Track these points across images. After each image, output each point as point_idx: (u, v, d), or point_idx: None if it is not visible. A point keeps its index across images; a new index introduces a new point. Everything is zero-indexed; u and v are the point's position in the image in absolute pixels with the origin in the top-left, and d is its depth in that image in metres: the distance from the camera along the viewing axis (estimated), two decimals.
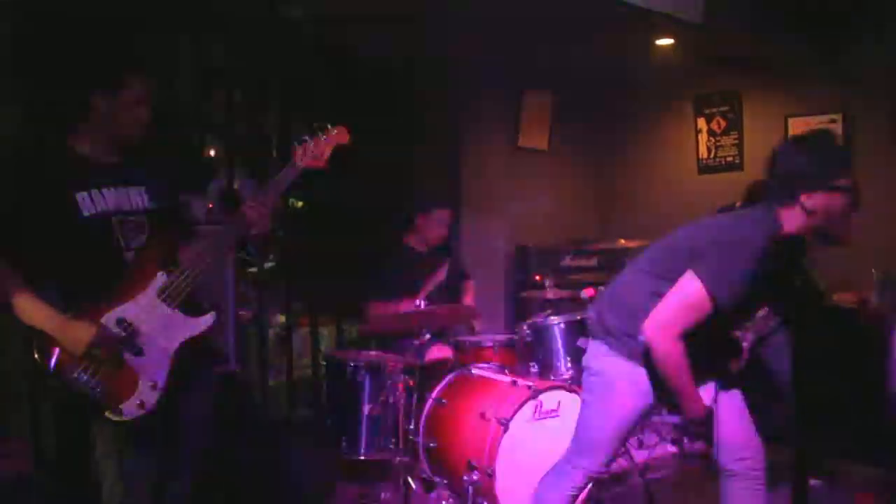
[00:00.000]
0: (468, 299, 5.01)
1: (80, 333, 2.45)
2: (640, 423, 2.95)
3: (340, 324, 5.74)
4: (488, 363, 4.26)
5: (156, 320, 2.56)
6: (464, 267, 5.25)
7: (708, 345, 2.77)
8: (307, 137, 2.90)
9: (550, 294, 4.88)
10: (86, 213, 2.55)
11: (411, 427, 3.95)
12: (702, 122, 6.37)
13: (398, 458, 3.81)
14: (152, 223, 2.68)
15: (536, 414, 3.73)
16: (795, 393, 4.42)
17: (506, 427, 3.60)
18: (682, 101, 6.51)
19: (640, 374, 2.79)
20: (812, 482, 4.36)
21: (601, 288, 4.59)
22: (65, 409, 2.75)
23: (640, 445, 4.66)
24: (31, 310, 2.45)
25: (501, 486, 3.58)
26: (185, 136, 4.95)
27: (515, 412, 3.64)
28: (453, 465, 3.81)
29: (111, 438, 2.55)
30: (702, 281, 2.61)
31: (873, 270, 5.00)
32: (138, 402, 2.51)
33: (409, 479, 3.89)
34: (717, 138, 6.28)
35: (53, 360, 2.43)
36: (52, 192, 2.53)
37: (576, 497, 2.97)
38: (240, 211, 2.75)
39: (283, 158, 5.29)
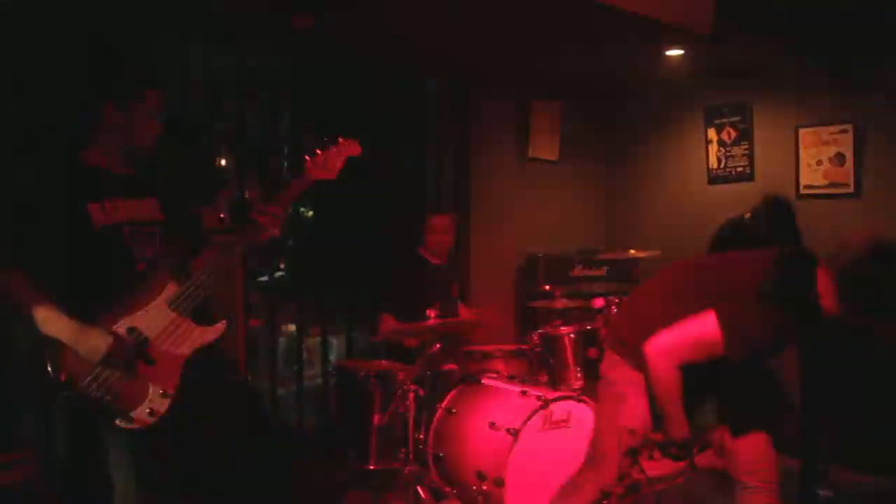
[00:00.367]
0: (463, 308, 5.03)
1: (97, 341, 2.46)
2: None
3: (351, 333, 5.75)
4: (498, 373, 4.26)
5: (166, 329, 2.58)
6: (462, 288, 5.26)
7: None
8: (319, 150, 2.92)
9: (560, 304, 4.88)
10: (98, 224, 2.57)
11: (421, 436, 3.96)
12: (712, 133, 6.36)
13: (408, 468, 3.82)
14: (164, 233, 2.70)
15: (546, 424, 3.72)
16: (805, 403, 4.41)
17: (515, 437, 3.60)
18: (693, 111, 6.50)
19: (646, 381, 2.81)
20: (822, 493, 4.34)
21: (611, 298, 4.61)
22: (75, 419, 2.76)
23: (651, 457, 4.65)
24: (50, 319, 2.46)
25: (511, 495, 3.58)
26: (197, 147, 4.97)
27: (525, 422, 3.64)
28: (463, 474, 3.81)
29: (122, 447, 2.56)
30: (723, 318, 2.65)
31: None
32: (149, 411, 2.52)
33: (419, 489, 3.89)
34: (728, 149, 6.27)
35: (65, 369, 2.44)
36: (66, 203, 2.55)
37: None
38: (253, 217, 2.78)
39: (294, 168, 5.34)
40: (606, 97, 6.63)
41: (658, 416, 2.82)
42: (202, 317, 2.67)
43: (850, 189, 5.58)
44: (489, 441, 3.70)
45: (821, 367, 3.95)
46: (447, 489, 3.90)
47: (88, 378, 2.46)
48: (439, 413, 4.04)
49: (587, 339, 4.33)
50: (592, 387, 4.11)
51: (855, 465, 4.73)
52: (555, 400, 3.77)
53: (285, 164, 5.61)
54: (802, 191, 5.68)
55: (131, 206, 2.65)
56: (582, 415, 3.83)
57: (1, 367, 3.60)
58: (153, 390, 2.54)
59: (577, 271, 6.03)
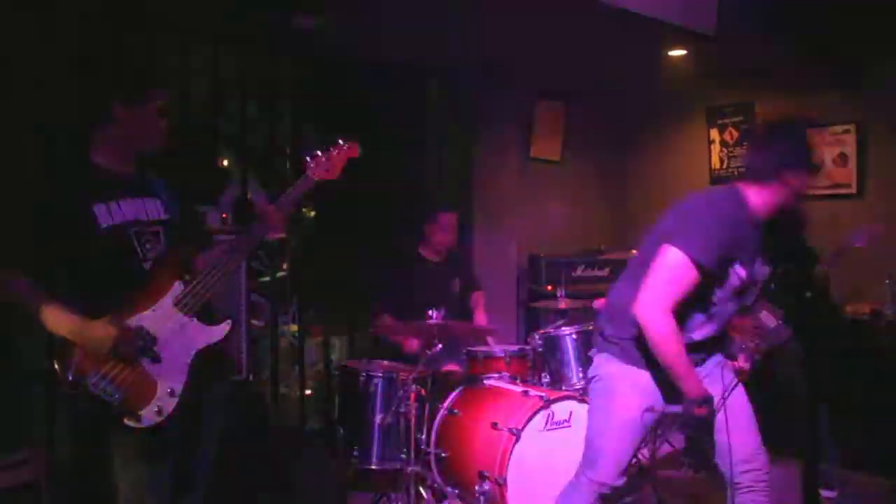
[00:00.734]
0: (479, 312, 5.01)
1: (103, 333, 2.47)
2: (649, 429, 2.92)
3: (353, 333, 5.76)
4: (500, 373, 4.26)
5: (173, 328, 2.58)
6: (474, 278, 5.24)
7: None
8: (319, 151, 2.93)
9: (562, 304, 4.88)
10: (104, 225, 2.57)
11: (423, 437, 3.96)
12: (714, 133, 6.37)
13: (410, 468, 3.82)
14: (168, 233, 2.70)
15: (548, 424, 3.73)
16: (809, 404, 4.41)
17: (517, 437, 3.60)
18: (695, 111, 6.51)
19: (642, 375, 2.82)
20: (825, 493, 4.35)
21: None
22: (81, 419, 2.76)
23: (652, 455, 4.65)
24: (56, 318, 2.47)
25: (512, 495, 3.58)
26: (200, 147, 4.98)
27: (527, 422, 3.65)
28: (464, 474, 3.82)
29: (128, 447, 2.56)
30: (680, 248, 2.66)
31: (887, 281, 4.98)
32: (156, 409, 2.53)
33: (421, 489, 3.90)
34: (730, 149, 6.28)
35: (73, 368, 2.45)
36: (71, 204, 2.55)
37: None
38: (257, 219, 2.78)
39: (295, 169, 5.35)
40: (609, 97, 6.64)
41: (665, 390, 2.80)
42: (206, 316, 2.68)
43: (853, 190, 5.59)
44: (491, 441, 3.70)
45: (825, 365, 3.94)
46: (449, 489, 3.91)
47: (97, 377, 2.46)
48: (441, 413, 4.04)
49: (589, 340, 4.31)
50: None
51: (858, 466, 4.74)
52: (557, 400, 3.77)
53: (287, 164, 5.62)
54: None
55: (136, 205, 2.66)
56: (584, 415, 3.82)
57: (7, 368, 3.62)
58: (161, 389, 2.54)
59: (580, 272, 6.03)
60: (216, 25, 4.62)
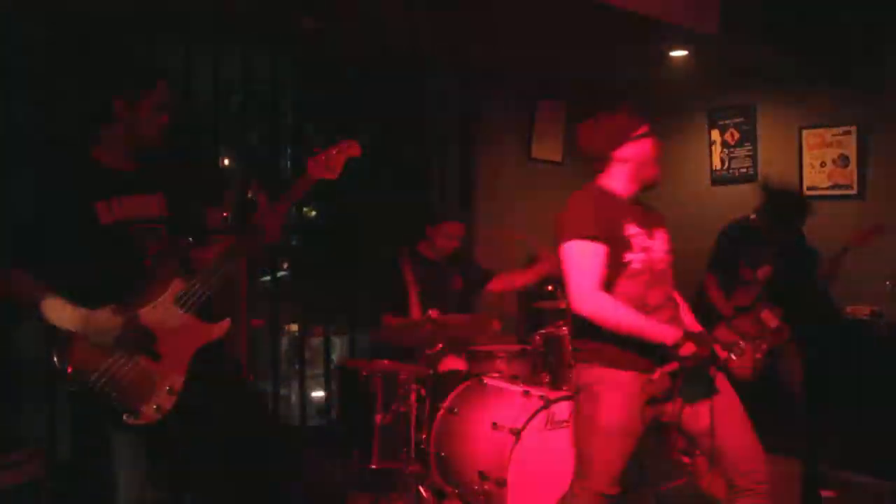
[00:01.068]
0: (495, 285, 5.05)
1: (108, 323, 2.47)
2: (639, 435, 2.90)
3: (353, 333, 5.76)
4: (500, 373, 4.26)
5: (172, 326, 2.59)
6: (483, 271, 5.24)
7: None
8: (320, 150, 2.93)
9: (563, 304, 4.86)
10: (105, 222, 2.58)
11: (423, 436, 3.96)
12: (715, 134, 6.37)
13: (410, 467, 3.82)
14: (169, 230, 2.71)
15: (548, 424, 3.73)
16: (808, 405, 4.41)
17: (517, 437, 3.60)
18: (697, 112, 6.51)
19: (623, 375, 2.82)
20: (825, 493, 4.34)
21: None
22: (81, 416, 2.77)
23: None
24: (59, 311, 2.48)
25: (513, 495, 3.58)
26: (201, 146, 4.98)
27: (527, 422, 3.64)
28: (465, 474, 3.82)
29: (127, 443, 2.57)
30: (565, 240, 2.87)
31: (887, 283, 4.98)
32: (155, 406, 2.53)
33: (421, 489, 3.89)
34: (731, 150, 6.27)
35: (72, 364, 2.46)
36: (73, 200, 2.56)
37: None
38: (255, 221, 2.79)
39: (296, 168, 5.35)
40: (611, 98, 6.62)
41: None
42: (206, 314, 2.68)
43: (854, 191, 5.59)
44: (491, 441, 3.70)
45: (825, 366, 3.95)
46: (449, 489, 3.91)
47: (97, 373, 2.47)
48: (441, 413, 4.04)
49: None
50: None
51: (857, 466, 4.74)
52: (557, 400, 3.77)
53: (288, 164, 5.62)
54: (806, 192, 5.68)
55: (137, 202, 2.66)
56: None
57: (6, 366, 3.63)
58: (160, 386, 2.55)
59: None
60: (218, 24, 4.62)
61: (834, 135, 5.67)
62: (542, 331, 4.52)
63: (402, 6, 4.41)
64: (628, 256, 2.88)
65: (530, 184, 6.32)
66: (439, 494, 4.00)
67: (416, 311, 4.59)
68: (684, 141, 6.57)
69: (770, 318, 4.57)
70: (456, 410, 4.00)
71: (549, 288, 5.68)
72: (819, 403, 4.38)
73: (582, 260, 2.83)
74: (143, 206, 2.68)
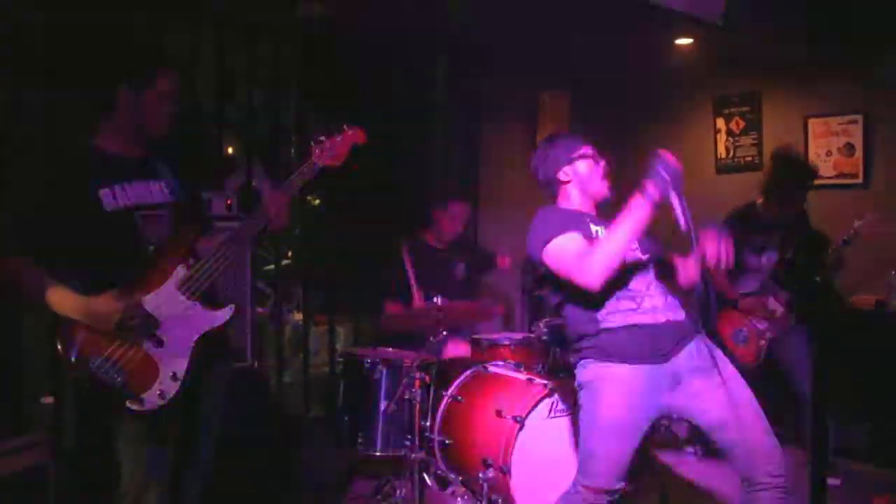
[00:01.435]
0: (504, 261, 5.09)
1: (109, 308, 2.48)
2: (643, 430, 2.88)
3: (357, 321, 5.76)
4: (504, 361, 4.26)
5: (176, 312, 2.59)
6: (487, 254, 5.24)
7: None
8: (324, 137, 2.93)
9: None
10: (108, 208, 2.58)
11: (427, 424, 3.96)
12: (721, 123, 6.35)
13: (414, 455, 3.82)
14: (173, 217, 2.71)
15: (552, 412, 3.73)
16: (814, 394, 4.41)
17: (521, 425, 3.60)
18: (702, 100, 6.48)
19: (622, 369, 2.83)
20: (830, 481, 4.35)
21: None
22: (86, 401, 2.78)
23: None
24: (62, 298, 2.48)
25: (516, 483, 3.58)
26: (205, 134, 4.98)
27: (531, 410, 3.64)
28: (468, 462, 3.82)
29: (132, 430, 2.57)
30: (542, 245, 3.01)
31: (893, 272, 4.97)
32: (159, 392, 2.54)
33: (425, 476, 3.90)
34: (736, 138, 6.26)
35: (76, 351, 2.46)
36: (76, 187, 2.56)
37: None
38: (261, 205, 2.79)
39: (300, 156, 5.34)
40: (615, 87, 6.61)
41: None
42: (210, 301, 2.68)
43: (860, 180, 5.57)
44: (495, 429, 3.70)
45: (830, 355, 3.94)
46: (453, 476, 3.91)
47: (100, 360, 2.47)
48: (445, 400, 4.04)
49: None
50: None
51: (862, 456, 4.74)
52: (561, 388, 3.77)
53: (292, 151, 5.62)
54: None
55: (141, 189, 2.66)
56: None
57: (12, 352, 3.63)
58: (163, 373, 2.55)
59: None
60: (223, 10, 4.61)
61: (840, 123, 5.65)
62: (546, 318, 4.53)
63: None
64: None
65: None
66: (443, 482, 4.01)
67: (417, 299, 4.60)
68: (689, 129, 6.55)
69: (775, 305, 4.56)
70: (460, 398, 4.00)
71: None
72: (824, 392, 4.37)
73: (564, 252, 2.91)
74: (147, 192, 2.68)
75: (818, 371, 4.35)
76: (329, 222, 5.82)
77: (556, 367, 4.27)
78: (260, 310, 5.23)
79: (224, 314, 2.71)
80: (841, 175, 5.64)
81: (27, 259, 2.52)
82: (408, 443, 3.89)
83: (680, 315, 2.97)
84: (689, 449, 5.03)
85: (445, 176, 6.05)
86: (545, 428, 3.69)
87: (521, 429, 3.60)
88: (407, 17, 4.78)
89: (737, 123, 6.26)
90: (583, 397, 2.96)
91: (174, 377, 2.56)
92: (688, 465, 4.79)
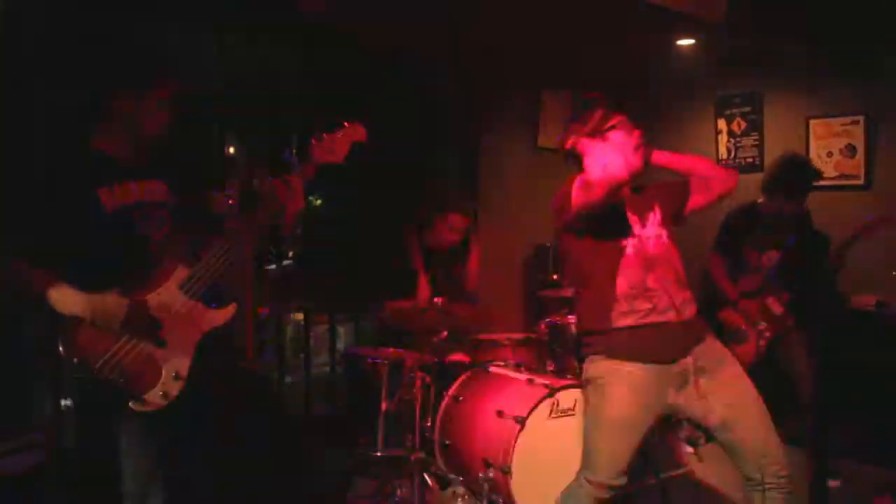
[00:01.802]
0: (473, 265, 5.02)
1: (114, 307, 2.48)
2: (648, 428, 2.89)
3: (358, 321, 5.76)
4: (505, 361, 4.27)
5: (177, 312, 2.59)
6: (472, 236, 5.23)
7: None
8: (325, 134, 2.92)
9: (568, 292, 4.88)
10: (108, 209, 2.58)
11: (428, 424, 3.97)
12: (722, 123, 6.35)
13: (414, 455, 3.83)
14: (174, 216, 2.71)
15: (553, 412, 3.73)
16: (815, 394, 4.41)
17: (522, 425, 3.61)
18: (703, 101, 6.48)
19: (627, 368, 2.82)
20: (830, 483, 4.35)
21: None
22: (87, 401, 2.77)
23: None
24: (65, 297, 2.48)
25: (517, 483, 3.59)
26: (206, 133, 4.98)
27: (532, 410, 3.65)
28: (469, 462, 3.82)
29: (135, 430, 2.57)
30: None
31: (894, 273, 4.97)
32: (161, 393, 2.54)
33: (425, 476, 3.90)
34: (737, 139, 6.25)
35: (78, 351, 2.46)
36: (76, 187, 2.56)
37: None
38: (264, 200, 2.77)
39: (301, 156, 5.34)
40: (617, 87, 6.60)
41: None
42: (212, 300, 2.68)
43: (861, 181, 5.56)
44: (496, 429, 3.71)
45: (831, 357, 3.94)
46: (453, 476, 3.91)
47: (102, 360, 2.47)
48: (446, 400, 4.05)
49: None
50: None
51: (862, 456, 4.74)
52: (561, 388, 3.78)
53: (293, 151, 5.62)
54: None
55: (141, 188, 2.66)
56: None
57: (14, 351, 3.63)
58: (166, 373, 2.55)
59: None
60: (224, 9, 4.61)
61: (841, 124, 5.64)
62: (547, 319, 4.53)
63: None
64: (627, 243, 2.91)
65: (536, 173, 6.31)
66: (444, 482, 4.01)
67: (424, 292, 4.59)
68: (691, 130, 6.54)
69: (775, 305, 4.56)
70: (461, 398, 4.00)
71: (554, 277, 5.69)
72: (824, 393, 4.37)
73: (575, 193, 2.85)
74: (146, 192, 2.68)
75: (818, 371, 4.36)
76: (330, 222, 5.82)
77: (562, 367, 4.29)
78: (260, 310, 5.23)
79: (226, 314, 2.71)
80: (842, 176, 5.64)
81: (28, 259, 2.51)
82: (408, 442, 3.90)
83: (693, 312, 2.96)
84: (689, 449, 5.03)
85: (445, 176, 6.05)
86: (546, 428, 3.70)
87: (521, 429, 3.61)
88: (408, 16, 4.77)
89: (738, 124, 6.26)
90: (589, 393, 2.95)
91: (177, 377, 2.56)
92: (690, 469, 4.78)
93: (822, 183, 5.22)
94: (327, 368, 5.67)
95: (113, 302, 2.48)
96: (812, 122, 5.78)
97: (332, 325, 5.69)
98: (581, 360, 3.03)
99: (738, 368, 2.93)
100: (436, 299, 4.17)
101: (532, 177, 6.29)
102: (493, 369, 4.15)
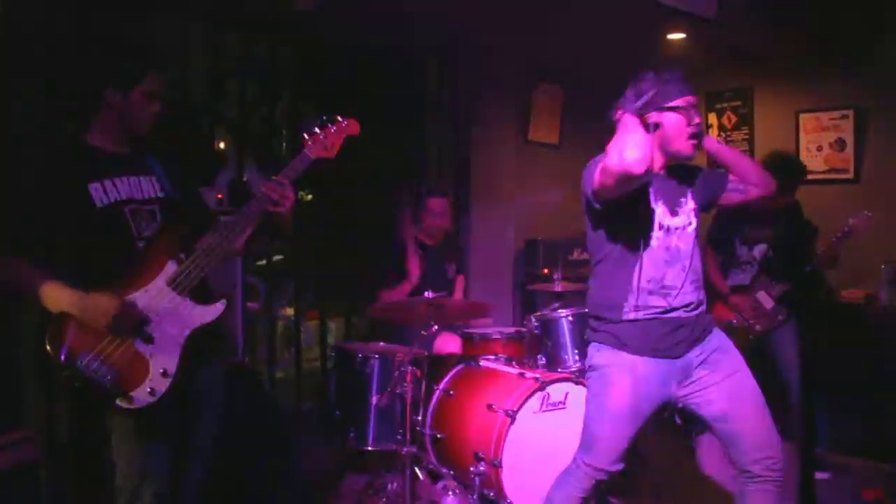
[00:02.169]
0: (457, 294, 5.03)
1: (104, 305, 2.47)
2: (647, 417, 2.89)
3: (349, 316, 5.76)
4: (496, 355, 4.27)
5: (166, 308, 2.57)
6: (462, 263, 5.25)
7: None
8: (318, 129, 2.90)
9: (558, 287, 4.89)
10: (98, 204, 2.56)
11: (419, 418, 3.97)
12: (712, 118, 6.36)
13: (405, 449, 3.83)
14: (164, 212, 2.69)
15: (543, 406, 3.74)
16: (803, 387, 4.43)
17: (513, 419, 3.61)
18: (695, 95, 6.48)
19: (635, 361, 2.81)
20: (819, 475, 4.37)
21: None
22: (77, 398, 2.76)
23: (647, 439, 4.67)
24: (56, 294, 2.47)
25: (508, 477, 3.60)
26: (197, 127, 4.97)
27: (522, 404, 3.65)
28: (460, 456, 3.83)
29: (124, 427, 2.56)
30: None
31: (882, 266, 4.99)
32: (149, 390, 2.52)
33: (417, 470, 3.91)
34: (728, 133, 6.27)
35: (65, 348, 2.45)
36: (65, 183, 2.55)
37: (584, 500, 2.93)
38: (255, 196, 2.76)
39: (292, 150, 5.33)
40: (608, 81, 6.60)
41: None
42: (202, 296, 2.67)
43: (850, 175, 5.59)
44: (487, 423, 3.71)
45: (819, 349, 3.95)
46: (444, 470, 3.92)
47: (88, 357, 2.46)
48: (437, 395, 4.05)
49: (585, 322, 4.32)
50: None
51: (851, 449, 4.76)
52: (552, 382, 3.78)
53: (284, 145, 5.61)
54: None
55: (131, 184, 2.65)
56: (579, 397, 3.84)
57: (4, 348, 3.62)
58: (154, 370, 2.54)
59: (576, 255, 6.03)
60: (216, 4, 4.60)
61: (831, 118, 5.66)
62: (538, 313, 4.54)
63: None
64: (652, 234, 2.84)
65: (527, 166, 6.31)
66: (435, 476, 4.02)
67: (414, 270, 4.59)
68: None
69: (766, 299, 4.57)
70: (451, 392, 4.01)
71: (546, 270, 5.70)
72: (813, 386, 4.39)
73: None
74: (137, 187, 2.67)
75: (807, 364, 4.38)
76: (321, 217, 5.81)
77: (553, 361, 4.29)
78: (251, 305, 5.22)
79: (216, 309, 2.69)
80: (832, 170, 5.66)
81: (19, 256, 2.50)
82: (399, 437, 3.90)
83: (703, 308, 2.94)
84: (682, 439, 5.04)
85: (437, 169, 6.05)
86: (537, 422, 3.70)
87: (512, 423, 3.61)
88: (400, 11, 4.76)
89: (728, 118, 6.27)
90: (592, 379, 2.94)
91: (165, 374, 2.55)
92: (680, 456, 4.80)
93: (811, 177, 5.24)
94: (318, 363, 5.67)
95: (102, 301, 2.47)
96: (802, 116, 5.80)
97: (322, 319, 5.69)
98: (587, 341, 3.01)
99: (739, 361, 2.92)
100: (426, 293, 4.16)
101: (523, 171, 6.29)
102: (483, 363, 4.15)
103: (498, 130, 6.22)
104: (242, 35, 5.02)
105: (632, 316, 2.83)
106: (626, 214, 2.80)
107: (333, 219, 5.61)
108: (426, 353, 4.07)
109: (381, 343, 4.34)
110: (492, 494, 3.66)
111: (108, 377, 2.47)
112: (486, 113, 6.14)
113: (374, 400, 3.95)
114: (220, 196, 4.06)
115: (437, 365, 4.22)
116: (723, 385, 2.84)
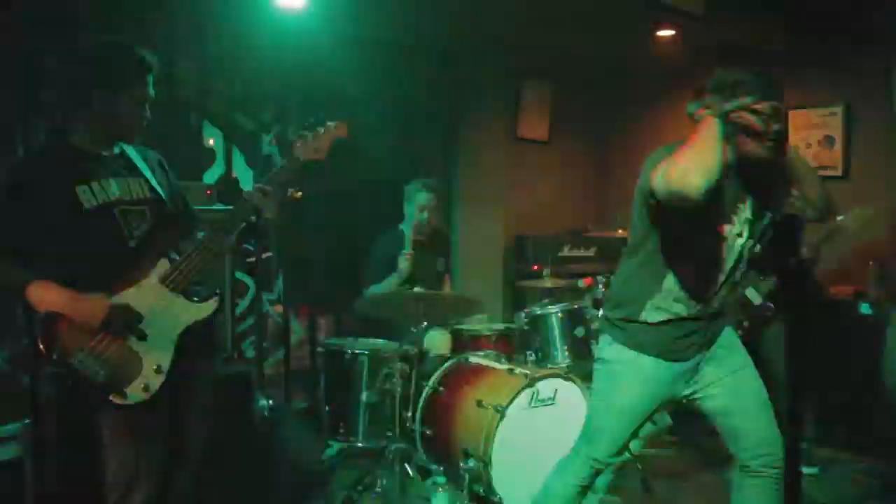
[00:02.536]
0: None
1: (95, 306, 2.47)
2: (652, 413, 2.90)
3: (338, 313, 5.75)
4: (485, 351, 4.28)
5: (158, 306, 2.58)
6: (448, 262, 5.25)
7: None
8: (307, 132, 2.90)
9: (548, 283, 4.89)
10: (87, 205, 2.56)
11: (408, 414, 3.97)
12: None
13: (395, 446, 3.83)
14: (154, 211, 2.69)
15: (533, 402, 3.75)
16: (791, 383, 4.44)
17: (502, 415, 3.62)
18: (682, 91, 6.50)
19: (644, 361, 2.79)
20: (806, 470, 4.39)
21: (599, 277, 4.63)
22: (68, 396, 2.75)
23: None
24: (46, 294, 2.47)
25: (497, 473, 3.61)
26: (186, 126, 4.95)
27: (512, 400, 3.66)
28: (450, 452, 3.83)
29: (116, 424, 2.56)
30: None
31: (871, 263, 5.00)
32: (143, 386, 2.53)
33: (406, 467, 3.91)
34: None
35: (57, 346, 2.44)
36: (54, 186, 2.54)
37: (581, 488, 2.93)
38: (246, 195, 2.77)
39: (280, 147, 5.33)
40: (597, 78, 6.62)
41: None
42: (194, 293, 2.68)
43: (839, 172, 5.60)
44: (476, 419, 3.72)
45: (806, 343, 3.94)
46: (434, 467, 3.92)
47: (82, 353, 2.46)
48: (427, 391, 4.05)
49: (575, 318, 4.34)
50: (579, 365, 4.13)
51: (838, 444, 4.79)
52: (541, 378, 3.79)
53: (272, 142, 5.59)
54: None
55: (121, 184, 2.65)
56: (568, 393, 3.86)
57: None
58: (147, 366, 2.54)
59: (566, 251, 6.04)
60: (205, 4, 4.59)
61: (819, 115, 5.67)
62: (528, 309, 4.54)
63: None
64: (701, 241, 2.74)
65: (516, 164, 6.32)
66: (425, 472, 4.02)
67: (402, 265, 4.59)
68: (670, 121, 6.55)
69: (754, 295, 4.58)
70: (441, 389, 4.01)
71: (535, 267, 5.70)
72: (800, 382, 4.41)
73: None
74: (126, 188, 2.66)
75: (794, 360, 4.38)
76: (310, 214, 5.79)
77: (542, 358, 4.30)
78: (239, 302, 5.21)
79: (209, 306, 2.70)
80: (820, 167, 5.67)
81: (8, 256, 2.50)
82: (389, 433, 3.90)
83: (723, 315, 2.90)
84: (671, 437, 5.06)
85: (426, 165, 6.04)
86: (526, 418, 3.71)
87: (501, 419, 3.62)
88: (387, 10, 4.76)
89: None
90: (600, 372, 2.92)
91: (158, 370, 2.55)
92: (671, 458, 4.81)
93: None
94: (307, 360, 5.65)
95: (93, 303, 2.47)
96: (790, 112, 5.81)
97: (312, 316, 5.68)
98: (600, 330, 2.98)
99: (744, 356, 2.92)
100: (415, 289, 4.16)
101: (512, 167, 6.29)
102: (473, 359, 4.16)
103: (487, 127, 6.22)
104: (231, 32, 4.99)
105: (650, 318, 2.77)
106: (681, 216, 2.59)
107: (322, 215, 5.60)
108: (416, 350, 4.07)
109: (370, 339, 4.34)
110: (482, 491, 3.66)
111: (102, 373, 2.48)
112: (474, 110, 6.15)
113: (364, 397, 3.95)
114: (208, 192, 4.05)
115: (427, 361, 4.22)
116: (727, 381, 2.84)
